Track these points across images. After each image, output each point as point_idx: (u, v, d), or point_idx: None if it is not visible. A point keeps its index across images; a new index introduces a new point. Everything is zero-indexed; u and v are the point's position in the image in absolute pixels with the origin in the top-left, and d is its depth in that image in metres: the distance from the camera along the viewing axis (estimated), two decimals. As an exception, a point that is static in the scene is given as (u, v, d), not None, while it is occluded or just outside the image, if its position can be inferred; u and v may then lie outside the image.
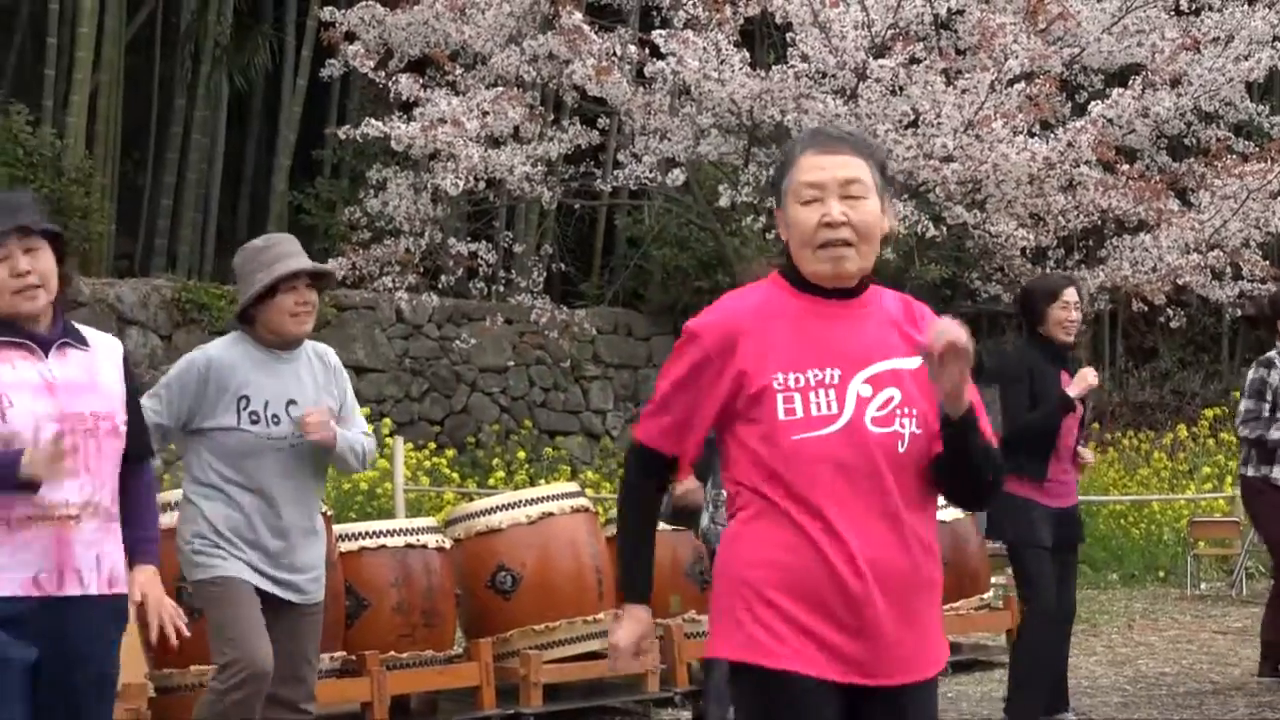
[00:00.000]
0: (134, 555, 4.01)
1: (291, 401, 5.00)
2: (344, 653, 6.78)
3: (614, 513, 8.31)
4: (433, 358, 16.93)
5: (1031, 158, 12.80)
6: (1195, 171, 15.10)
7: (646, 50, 13.49)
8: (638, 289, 19.20)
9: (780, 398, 3.07)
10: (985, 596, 9.35)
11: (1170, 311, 15.21)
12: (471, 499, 11.16)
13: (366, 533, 7.06)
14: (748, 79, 12.94)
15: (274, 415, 4.97)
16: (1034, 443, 6.68)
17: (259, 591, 4.94)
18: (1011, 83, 12.94)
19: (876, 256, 3.18)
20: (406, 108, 14.13)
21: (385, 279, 14.62)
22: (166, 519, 5.18)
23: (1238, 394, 8.69)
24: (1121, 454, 17.59)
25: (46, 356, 3.85)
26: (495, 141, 13.74)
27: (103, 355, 3.96)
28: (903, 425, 3.08)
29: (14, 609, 3.72)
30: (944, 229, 13.65)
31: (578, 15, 13.52)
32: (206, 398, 4.95)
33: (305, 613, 5.06)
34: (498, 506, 7.46)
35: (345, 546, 6.90)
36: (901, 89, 12.92)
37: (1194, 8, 14.62)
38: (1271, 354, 8.19)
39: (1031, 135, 13.09)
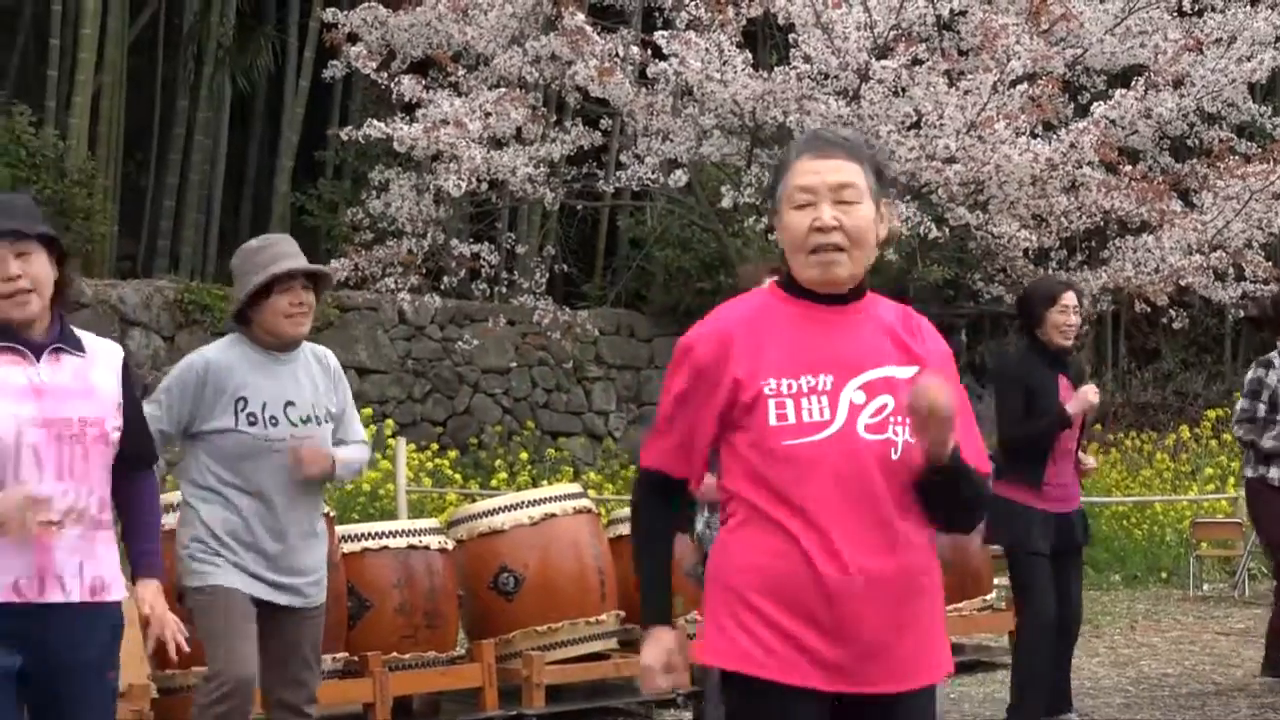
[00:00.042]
0: (137, 568, 3.99)
1: (289, 403, 4.98)
2: (346, 654, 6.78)
3: (616, 513, 8.31)
4: (435, 359, 16.93)
5: (1034, 159, 12.78)
6: (1198, 172, 15.08)
7: (649, 51, 13.47)
8: (640, 290, 19.17)
9: (772, 404, 3.05)
10: (988, 597, 9.31)
11: (1173, 312, 15.18)
12: (474, 500, 11.15)
13: (369, 534, 7.05)
14: (750, 80, 12.92)
15: (272, 417, 4.95)
16: (1030, 450, 6.67)
17: (257, 599, 4.93)
18: (1014, 84, 12.91)
19: (877, 259, 3.17)
20: (409, 109, 14.11)
21: (388, 280, 14.60)
22: (168, 519, 5.19)
23: (1239, 395, 8.70)
24: (1124, 455, 17.58)
25: (38, 361, 3.79)
26: (498, 142, 13.72)
27: (99, 361, 3.89)
28: (896, 433, 3.05)
29: None
30: (946, 230, 13.63)
31: (580, 16, 13.49)
32: (204, 400, 4.94)
33: (306, 616, 5.04)
34: (500, 507, 7.45)
35: (347, 547, 6.90)
36: (904, 90, 12.90)
37: (1196, 9, 14.60)
38: (1272, 355, 8.18)
39: (1034, 136, 13.07)
